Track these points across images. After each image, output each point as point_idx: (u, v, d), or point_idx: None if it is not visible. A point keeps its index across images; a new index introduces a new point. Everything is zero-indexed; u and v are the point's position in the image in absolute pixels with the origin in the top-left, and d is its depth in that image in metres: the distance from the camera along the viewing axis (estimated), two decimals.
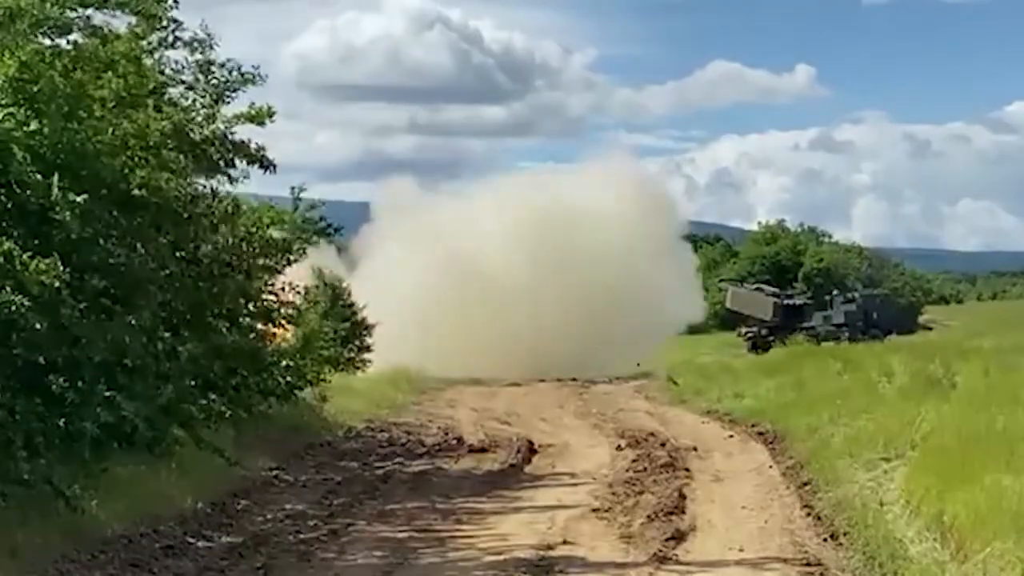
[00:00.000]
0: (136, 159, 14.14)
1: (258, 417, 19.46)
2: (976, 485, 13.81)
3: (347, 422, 25.41)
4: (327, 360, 21.83)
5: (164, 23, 16.89)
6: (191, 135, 15.21)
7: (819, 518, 15.17)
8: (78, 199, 12.72)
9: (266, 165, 16.54)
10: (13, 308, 12.16)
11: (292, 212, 18.13)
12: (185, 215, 14.80)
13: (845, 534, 14.30)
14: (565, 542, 14.26)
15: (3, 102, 13.34)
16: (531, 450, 21.69)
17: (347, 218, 40.88)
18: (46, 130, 13.30)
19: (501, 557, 13.64)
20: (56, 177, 12.77)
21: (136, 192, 13.88)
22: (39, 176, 12.79)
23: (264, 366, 18.40)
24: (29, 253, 12.40)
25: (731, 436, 22.17)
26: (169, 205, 14.35)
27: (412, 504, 17.05)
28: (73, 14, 16.10)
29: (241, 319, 17.87)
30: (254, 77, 17.44)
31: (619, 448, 21.28)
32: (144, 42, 16.43)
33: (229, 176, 16.83)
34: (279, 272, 18.67)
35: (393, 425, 25.64)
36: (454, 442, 23.09)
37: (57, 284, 12.34)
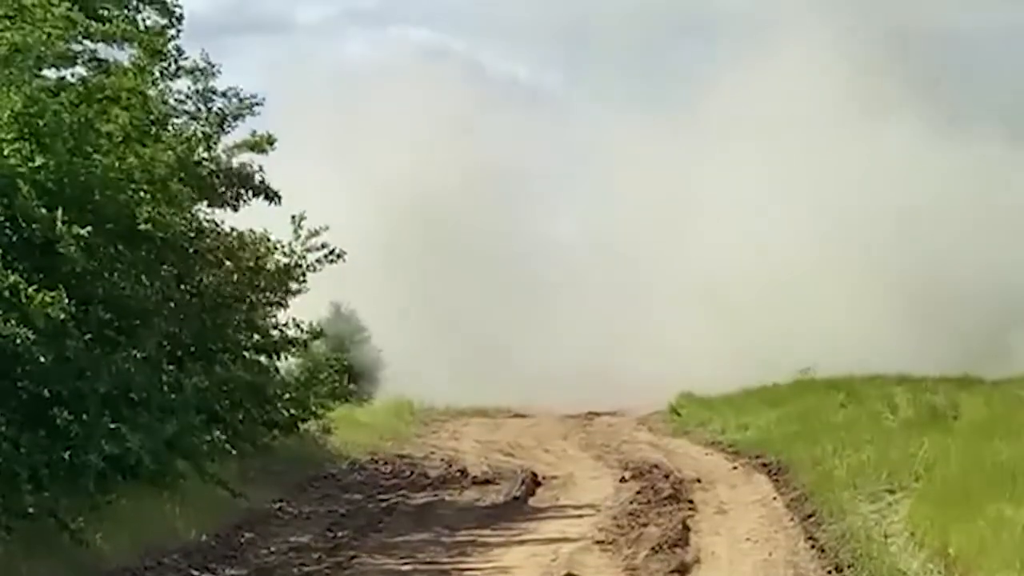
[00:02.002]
0: (142, 193, 14.21)
1: (262, 449, 19.49)
2: (979, 516, 13.86)
3: (351, 454, 25.38)
4: (331, 393, 21.79)
5: (167, 53, 17.00)
6: (197, 168, 15.29)
7: (823, 550, 15.15)
8: (82, 231, 12.77)
9: (270, 196, 16.61)
10: (18, 341, 12.22)
11: (295, 239, 18.31)
12: (190, 249, 14.86)
13: (850, 566, 14.29)
14: (569, 574, 14.26)
15: (8, 137, 13.40)
16: (535, 482, 21.65)
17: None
18: (51, 164, 13.37)
19: None
20: (60, 211, 12.83)
21: (142, 226, 13.94)
22: (44, 210, 12.86)
23: (268, 398, 18.45)
24: (34, 286, 12.46)
25: (735, 468, 22.14)
26: (175, 240, 14.41)
27: (416, 537, 17.06)
28: (78, 47, 16.19)
29: (245, 352, 17.92)
30: (252, 105, 17.53)
31: (623, 480, 21.26)
32: (147, 74, 16.52)
33: (234, 207, 16.90)
34: (283, 304, 18.73)
35: (397, 457, 25.60)
36: (458, 474, 23.07)
37: (62, 316, 12.39)
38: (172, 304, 15.17)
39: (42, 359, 12.61)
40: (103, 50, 16.77)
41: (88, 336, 13.40)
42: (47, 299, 12.34)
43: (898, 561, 14.09)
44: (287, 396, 19.56)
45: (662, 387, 32.84)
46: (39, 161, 12.96)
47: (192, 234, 15.10)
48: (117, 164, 14.10)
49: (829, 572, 14.19)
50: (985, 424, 19.67)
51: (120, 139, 14.16)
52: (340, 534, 17.21)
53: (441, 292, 43.66)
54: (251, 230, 18.21)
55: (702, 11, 51.55)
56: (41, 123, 13.64)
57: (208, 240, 15.87)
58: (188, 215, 15.37)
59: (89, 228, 12.97)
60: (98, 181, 13.55)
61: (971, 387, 26.87)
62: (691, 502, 18.71)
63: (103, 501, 14.71)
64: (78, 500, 14.16)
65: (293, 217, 18.70)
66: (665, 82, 49.37)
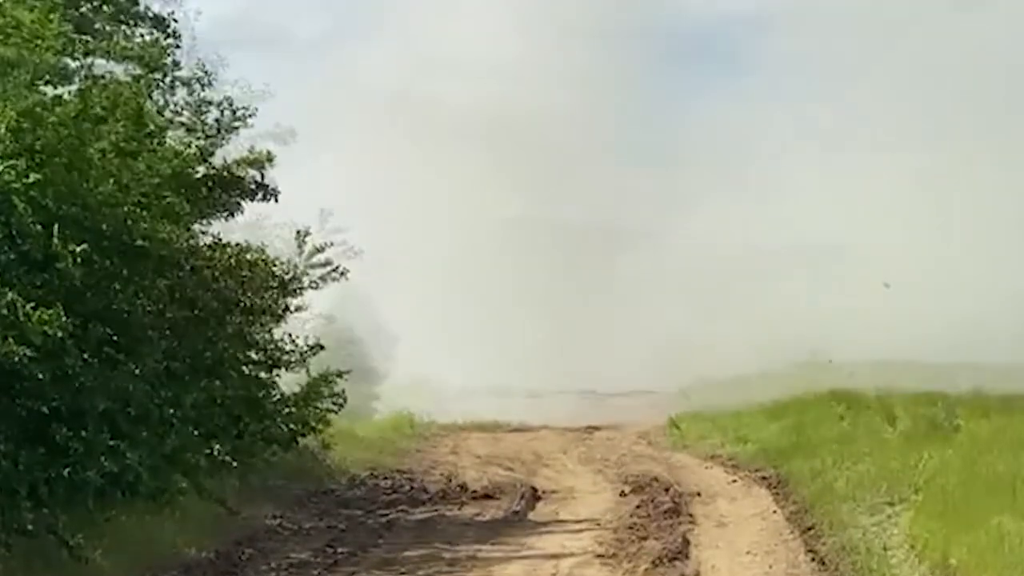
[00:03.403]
0: (137, 209, 14.21)
1: (262, 465, 19.50)
2: (979, 529, 13.85)
3: (351, 469, 25.36)
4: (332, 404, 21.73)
5: (163, 66, 17.05)
6: (190, 176, 15.30)
7: (824, 563, 15.14)
8: (78, 249, 12.77)
9: (267, 195, 16.60)
10: (16, 359, 12.20)
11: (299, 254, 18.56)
12: (187, 266, 14.86)
13: None
14: None
15: (5, 153, 13.37)
16: (535, 496, 21.65)
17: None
18: (48, 180, 13.35)
19: None
20: (56, 228, 12.82)
21: (138, 243, 13.93)
22: (40, 227, 12.85)
23: (267, 413, 18.46)
24: (32, 304, 12.44)
25: (735, 481, 22.12)
26: (171, 256, 14.41)
27: (416, 552, 17.03)
28: (74, 63, 16.20)
29: (244, 366, 17.92)
30: (246, 117, 17.56)
31: (623, 494, 21.25)
32: (143, 84, 16.54)
33: (230, 213, 16.90)
34: (280, 315, 18.75)
35: (397, 472, 25.55)
36: (457, 489, 23.03)
37: (60, 334, 12.37)
38: (170, 317, 15.14)
39: (40, 376, 12.59)
40: (101, 65, 16.81)
41: (87, 353, 13.38)
42: (44, 316, 12.33)
43: (899, 574, 14.09)
44: (286, 411, 19.59)
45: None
46: (33, 178, 12.94)
47: (188, 249, 15.04)
48: (112, 180, 14.07)
49: None
50: (989, 436, 19.65)
51: (113, 153, 14.13)
52: (340, 550, 17.19)
53: (455, 283, 43.72)
54: (247, 242, 18.26)
55: None
56: (37, 139, 13.62)
57: (207, 254, 15.83)
58: (185, 230, 15.32)
59: (85, 245, 12.95)
60: (93, 197, 13.54)
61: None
62: (691, 516, 18.69)
63: (102, 518, 14.71)
64: (78, 517, 14.13)
65: (298, 233, 18.80)
66: None
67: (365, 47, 56.66)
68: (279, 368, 19.19)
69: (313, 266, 18.80)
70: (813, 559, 15.40)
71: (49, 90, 15.51)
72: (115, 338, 14.14)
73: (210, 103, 17.45)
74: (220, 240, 16.88)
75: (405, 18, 57.18)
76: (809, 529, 17.05)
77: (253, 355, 17.95)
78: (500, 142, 48.10)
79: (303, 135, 18.14)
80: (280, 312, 18.15)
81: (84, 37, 15.93)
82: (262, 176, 16.86)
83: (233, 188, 16.40)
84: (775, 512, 18.79)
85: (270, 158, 17.67)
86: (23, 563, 13.45)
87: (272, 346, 18.79)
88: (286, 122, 18.47)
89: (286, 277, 18.32)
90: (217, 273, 16.06)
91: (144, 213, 14.44)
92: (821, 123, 48.91)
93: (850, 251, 42.40)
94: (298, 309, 18.77)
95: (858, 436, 22.35)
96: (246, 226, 18.62)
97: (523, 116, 49.06)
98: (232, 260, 16.46)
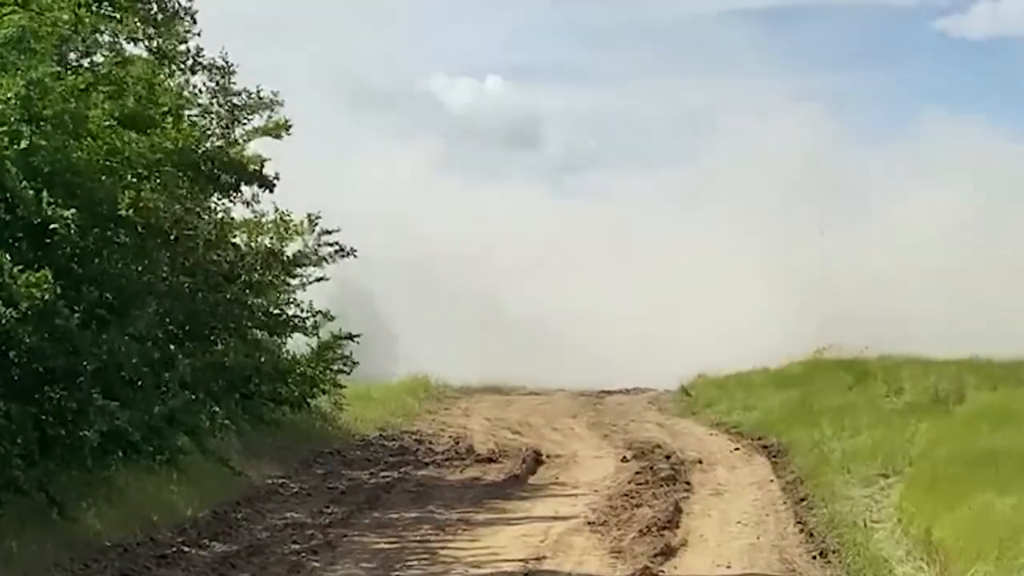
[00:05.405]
0: (131, 177, 14.31)
1: (271, 425, 19.64)
2: (964, 505, 13.89)
3: (361, 430, 25.50)
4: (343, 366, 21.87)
5: (178, 50, 17.16)
6: (193, 154, 15.38)
7: (811, 535, 15.20)
8: (67, 213, 12.89)
9: (264, 184, 16.70)
10: (3, 321, 12.33)
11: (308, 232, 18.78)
12: (172, 235, 14.97)
13: (834, 552, 14.34)
14: (555, 555, 14.39)
15: (8, 120, 13.46)
16: (537, 460, 21.75)
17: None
18: (47, 148, 13.45)
19: (487, 570, 13.81)
20: (46, 193, 12.93)
21: (126, 211, 14.03)
22: (33, 192, 12.97)
23: (276, 376, 18.60)
24: (20, 266, 12.56)
25: (737, 449, 22.15)
26: (159, 223, 14.52)
27: (411, 514, 17.18)
28: (83, 34, 16.27)
29: (247, 333, 18.02)
30: (271, 103, 17.63)
31: (624, 460, 21.32)
32: (158, 65, 16.64)
33: (228, 195, 16.99)
34: (285, 285, 18.86)
35: (406, 433, 25.67)
36: (463, 451, 23.17)
37: (47, 296, 12.49)
38: (165, 281, 15.26)
39: (29, 338, 12.71)
40: (118, 43, 16.93)
41: (78, 315, 13.49)
42: (33, 279, 12.44)
43: (883, 548, 14.13)
44: (296, 372, 19.72)
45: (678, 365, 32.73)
46: (24, 144, 13.03)
47: (175, 218, 15.11)
48: (107, 147, 14.17)
49: (814, 557, 14.24)
50: (985, 409, 19.67)
51: (107, 124, 14.22)
52: (337, 511, 17.34)
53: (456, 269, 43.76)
54: (254, 212, 18.38)
55: None
56: (44, 108, 13.71)
57: (193, 224, 15.90)
58: (176, 200, 15.39)
59: (74, 210, 13.05)
60: (88, 164, 13.65)
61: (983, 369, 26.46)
62: (688, 483, 18.74)
63: (99, 477, 14.84)
64: (75, 477, 14.25)
65: (309, 216, 18.93)
66: None
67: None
68: (283, 334, 19.33)
69: (321, 244, 19.08)
70: (801, 531, 15.45)
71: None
72: (109, 299, 14.24)
73: (228, 90, 17.56)
74: (211, 208, 16.96)
75: None
76: (802, 500, 17.10)
77: (254, 321, 18.03)
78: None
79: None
80: (278, 283, 18.26)
81: (95, 13, 15.99)
82: (259, 168, 16.87)
83: (232, 170, 16.43)
84: (772, 481, 18.85)
85: (287, 127, 17.74)
86: (16, 521, 13.60)
87: (277, 312, 18.92)
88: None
89: (298, 249, 18.55)
90: (208, 239, 16.15)
91: (142, 184, 14.53)
92: None
93: None
94: (296, 276, 18.89)
95: (862, 407, 22.37)
96: (241, 225, 18.78)
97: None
98: (220, 227, 16.61)
